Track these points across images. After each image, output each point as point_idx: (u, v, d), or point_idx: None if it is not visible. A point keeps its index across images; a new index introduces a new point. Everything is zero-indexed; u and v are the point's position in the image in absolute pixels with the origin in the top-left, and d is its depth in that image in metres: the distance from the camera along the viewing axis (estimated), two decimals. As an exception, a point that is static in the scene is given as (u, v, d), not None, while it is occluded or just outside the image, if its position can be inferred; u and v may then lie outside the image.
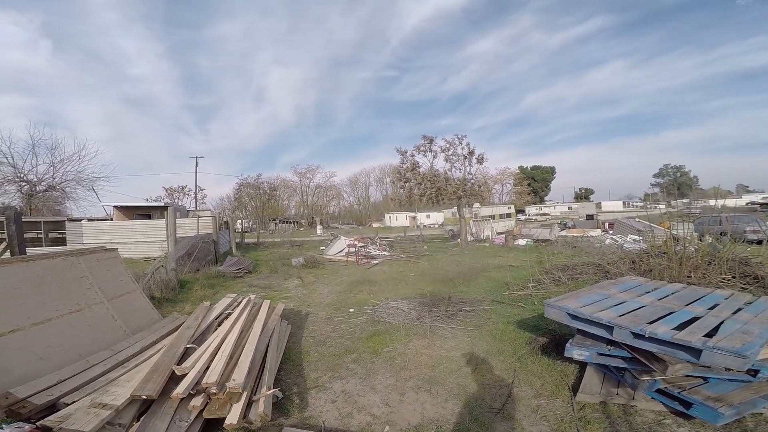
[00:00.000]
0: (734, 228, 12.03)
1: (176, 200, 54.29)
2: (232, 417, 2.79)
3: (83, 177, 23.51)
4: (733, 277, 6.05)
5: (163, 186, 59.04)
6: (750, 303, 3.49)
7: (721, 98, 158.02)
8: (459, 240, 20.94)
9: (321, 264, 13.54)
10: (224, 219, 21.87)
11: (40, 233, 16.53)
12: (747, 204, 42.57)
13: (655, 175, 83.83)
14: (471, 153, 19.84)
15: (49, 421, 2.49)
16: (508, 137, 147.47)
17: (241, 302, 5.29)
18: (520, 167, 79.72)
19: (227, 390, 2.94)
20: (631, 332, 2.96)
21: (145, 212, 19.73)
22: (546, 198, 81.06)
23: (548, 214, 55.21)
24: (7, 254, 6.20)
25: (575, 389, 3.38)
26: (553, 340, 4.53)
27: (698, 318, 3.13)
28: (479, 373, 3.97)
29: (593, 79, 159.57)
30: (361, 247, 15.62)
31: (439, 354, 4.54)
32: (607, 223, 25.27)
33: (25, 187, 22.12)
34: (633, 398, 3.11)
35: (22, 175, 21.94)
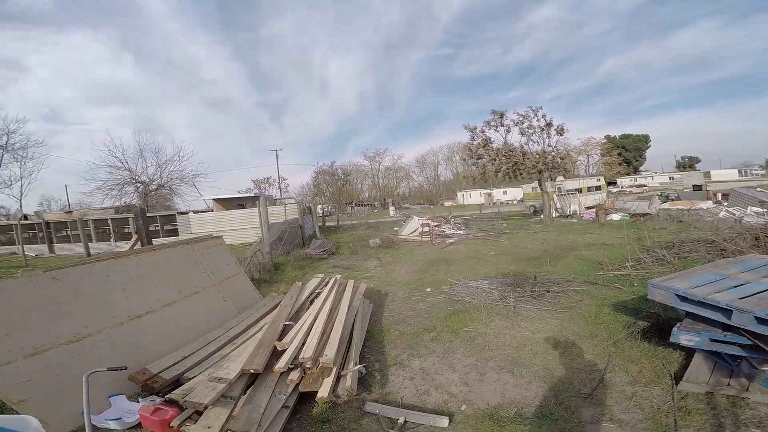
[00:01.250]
0: None
1: (263, 190, 59.35)
2: (324, 390, 3.01)
3: (185, 175, 27.40)
4: None
5: (251, 178, 65.21)
6: None
7: None
8: (542, 216, 19.73)
9: (396, 244, 13.80)
10: (307, 205, 23.33)
11: (157, 226, 19.30)
12: None
13: (778, 139, 69.15)
14: (549, 124, 18.43)
15: (175, 394, 2.90)
16: (587, 106, 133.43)
17: (328, 282, 5.67)
18: (607, 136, 71.46)
19: (320, 365, 3.20)
20: (755, 317, 2.58)
21: (239, 203, 22.06)
22: (641, 168, 72.07)
23: (645, 186, 49.17)
24: (138, 245, 7.37)
25: (678, 377, 3.07)
26: (656, 325, 4.11)
27: None
28: (568, 356, 3.78)
29: (680, 41, 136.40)
30: (435, 226, 15.54)
31: (524, 335, 4.40)
32: (720, 194, 21.81)
33: (141, 187, 26.03)
34: (747, 389, 2.76)
35: (136, 177, 25.88)
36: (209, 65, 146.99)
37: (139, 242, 7.34)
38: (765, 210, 12.49)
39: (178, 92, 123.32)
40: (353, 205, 60.16)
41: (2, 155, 30.79)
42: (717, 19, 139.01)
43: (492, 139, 19.69)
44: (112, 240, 18.50)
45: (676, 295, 3.13)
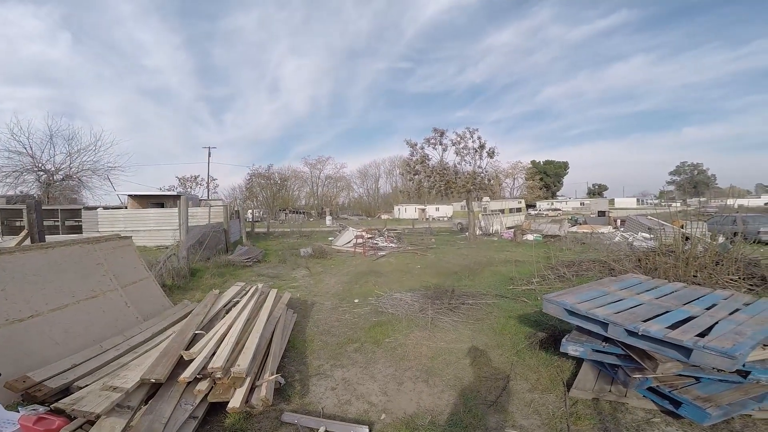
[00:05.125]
0: (748, 228, 11.80)
1: (189, 190, 55.18)
2: (235, 401, 2.92)
3: (99, 167, 24.17)
4: (739, 278, 5.99)
5: (177, 176, 60.30)
6: (748, 304, 3.47)
7: (750, 95, 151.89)
8: (467, 233, 20.99)
9: (329, 254, 13.72)
10: (235, 208, 22.16)
11: (58, 221, 16.95)
12: (765, 204, 41.37)
13: (671, 173, 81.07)
14: (482, 147, 19.84)
15: (62, 403, 2.62)
16: (523, 131, 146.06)
17: (248, 291, 5.46)
18: (533, 162, 78.38)
19: (231, 375, 3.07)
20: (625, 329, 2.99)
21: (158, 201, 20.17)
22: (558, 193, 79.85)
23: (559, 210, 54.53)
24: (28, 242, 6.46)
25: (569, 385, 3.43)
26: (552, 336, 4.59)
27: (693, 317, 3.13)
28: (477, 365, 4.06)
29: (614, 74, 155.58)
30: (368, 238, 15.74)
31: (439, 346, 4.63)
32: (618, 220, 24.91)
33: (43, 176, 22.75)
34: (625, 396, 3.15)
35: (40, 165, 22.58)
36: (154, 52, 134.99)
37: (29, 238, 6.43)
38: (651, 236, 14.54)
39: (111, 78, 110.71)
40: (288, 212, 58.37)
41: None
42: (651, 54, 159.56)
43: (430, 156, 20.73)
44: (-1, 234, 15.92)
45: (565, 309, 3.53)
